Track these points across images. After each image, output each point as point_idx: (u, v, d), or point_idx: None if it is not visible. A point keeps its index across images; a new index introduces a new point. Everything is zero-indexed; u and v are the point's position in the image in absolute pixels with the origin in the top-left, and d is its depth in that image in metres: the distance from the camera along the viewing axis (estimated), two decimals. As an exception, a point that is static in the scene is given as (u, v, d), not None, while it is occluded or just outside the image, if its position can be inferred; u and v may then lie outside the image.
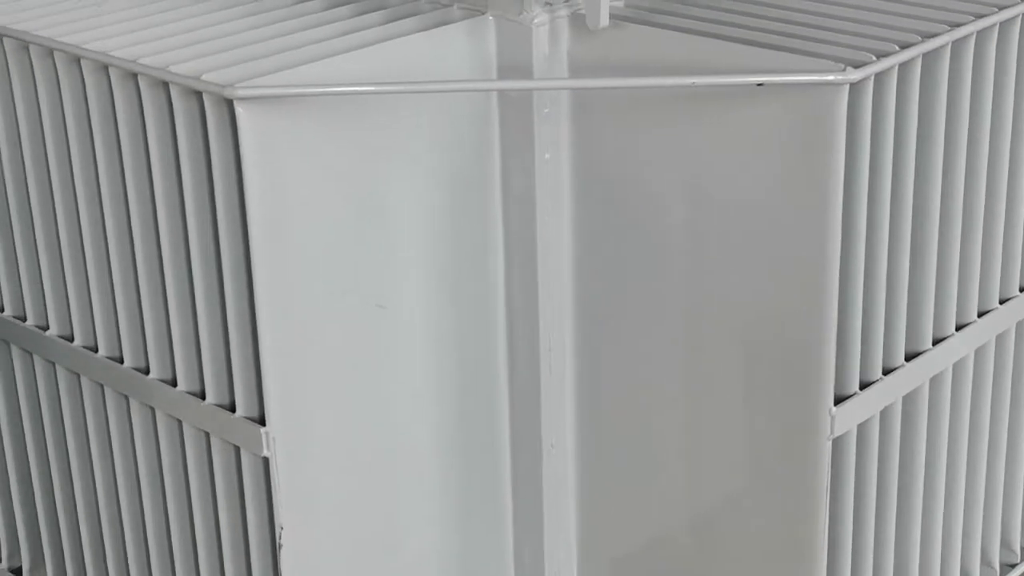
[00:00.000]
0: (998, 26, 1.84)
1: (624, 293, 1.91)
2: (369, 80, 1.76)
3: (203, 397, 1.83)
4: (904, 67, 1.73)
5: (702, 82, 1.69)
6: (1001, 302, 2.01)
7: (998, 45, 1.86)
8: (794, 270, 1.74)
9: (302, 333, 1.77)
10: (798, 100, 1.68)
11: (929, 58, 1.77)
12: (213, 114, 1.68)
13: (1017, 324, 2.05)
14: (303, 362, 1.78)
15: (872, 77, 1.68)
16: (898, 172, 1.78)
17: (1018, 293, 2.03)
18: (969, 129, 1.85)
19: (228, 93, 1.63)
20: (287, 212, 1.72)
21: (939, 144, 1.81)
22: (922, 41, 1.74)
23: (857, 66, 1.66)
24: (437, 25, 1.85)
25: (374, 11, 1.91)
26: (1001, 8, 1.84)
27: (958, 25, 1.78)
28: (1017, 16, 1.85)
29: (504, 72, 1.87)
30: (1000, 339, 2.03)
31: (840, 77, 1.64)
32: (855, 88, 1.67)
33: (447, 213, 1.89)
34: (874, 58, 1.68)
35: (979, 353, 2.00)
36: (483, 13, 1.85)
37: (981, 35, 1.82)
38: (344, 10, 1.92)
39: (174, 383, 1.86)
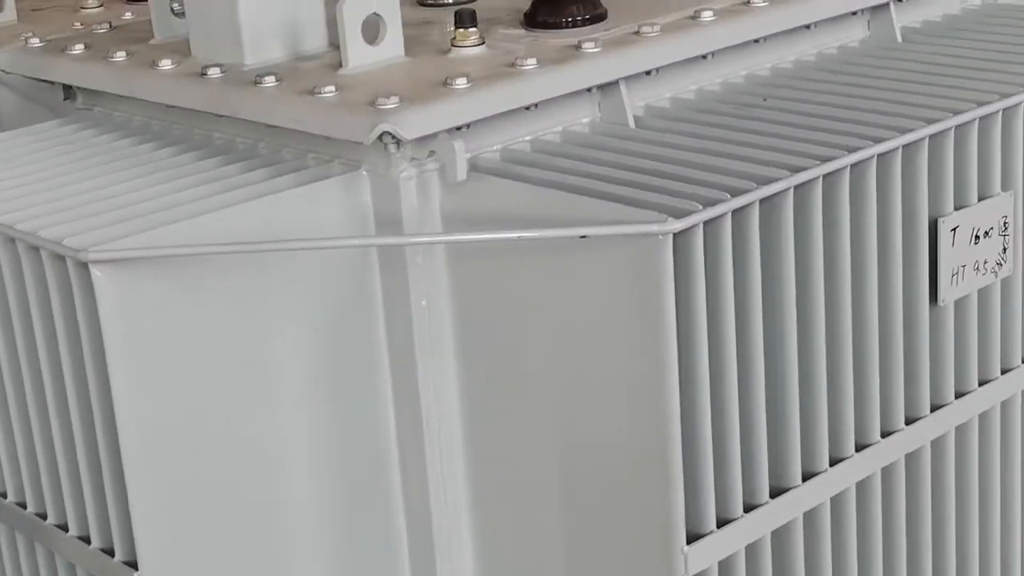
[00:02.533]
0: (848, 169, 1.89)
1: (506, 434, 1.97)
2: (238, 238, 1.85)
3: (89, 542, 1.92)
4: (741, 212, 1.78)
5: (527, 236, 1.76)
6: (883, 435, 2.03)
7: (827, 191, 1.90)
8: (640, 414, 1.78)
9: (172, 486, 1.84)
10: (629, 249, 1.73)
11: (771, 201, 1.82)
12: (75, 276, 1.78)
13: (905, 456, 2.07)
14: (174, 512, 1.85)
15: (700, 225, 1.73)
16: (744, 313, 1.82)
17: (902, 427, 2.05)
18: (819, 267, 1.89)
19: (82, 257, 1.73)
20: (152, 370, 1.80)
21: (788, 283, 1.86)
22: (756, 188, 1.79)
23: (680, 216, 1.71)
24: (315, 180, 1.93)
25: (262, 168, 2.00)
26: (852, 150, 1.89)
27: (799, 170, 1.83)
28: (845, 167, 1.89)
29: (380, 224, 1.95)
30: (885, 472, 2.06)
31: (660, 228, 1.69)
32: (687, 235, 1.72)
33: (330, 365, 1.96)
34: (700, 207, 1.73)
35: (861, 486, 2.02)
36: (357, 168, 1.94)
37: (829, 178, 1.87)
38: (233, 167, 2.01)
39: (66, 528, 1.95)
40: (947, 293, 2.04)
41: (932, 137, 1.98)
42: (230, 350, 1.87)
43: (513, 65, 1.98)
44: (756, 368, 1.85)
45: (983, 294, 2.11)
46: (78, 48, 2.29)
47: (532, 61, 1.97)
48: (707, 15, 2.15)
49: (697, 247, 1.74)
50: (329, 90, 1.93)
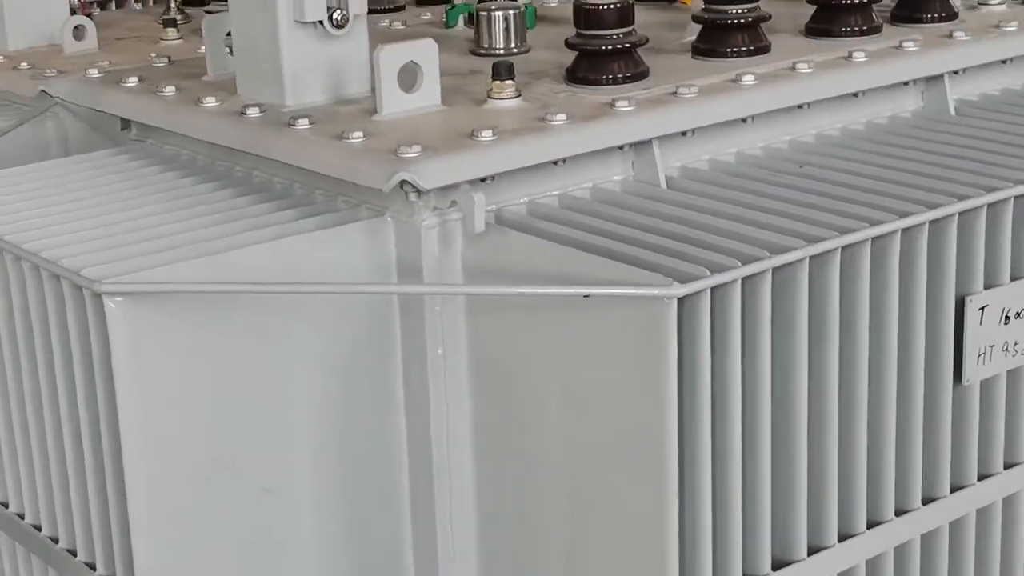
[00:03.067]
0: (869, 242, 1.87)
1: (516, 488, 1.97)
2: (258, 277, 1.87)
3: (95, 568, 1.95)
4: (753, 280, 1.77)
5: (531, 292, 1.76)
6: (897, 513, 2.00)
7: (847, 263, 1.88)
8: (640, 476, 1.77)
9: (178, 521, 1.86)
10: (635, 311, 1.73)
11: (785, 270, 1.80)
12: (90, 307, 1.81)
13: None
14: (178, 547, 1.87)
15: (707, 291, 1.72)
16: (753, 382, 1.81)
17: (918, 506, 2.02)
18: (834, 340, 1.87)
19: (96, 288, 1.76)
20: (162, 404, 1.83)
21: (801, 355, 1.84)
22: (769, 256, 1.78)
23: (686, 280, 1.70)
24: (341, 224, 1.95)
25: (292, 208, 2.02)
26: (873, 224, 1.87)
27: (817, 240, 1.82)
28: (866, 240, 1.87)
29: (403, 270, 1.96)
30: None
31: (664, 292, 1.69)
32: (693, 300, 1.72)
33: (345, 408, 1.97)
34: (707, 273, 1.73)
35: (871, 564, 1.99)
36: (383, 215, 1.95)
37: (849, 250, 1.85)
38: (265, 206, 2.03)
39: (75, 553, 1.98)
40: (972, 373, 2.01)
41: (963, 214, 1.96)
42: (243, 388, 1.89)
43: (543, 120, 1.98)
44: (762, 439, 1.83)
45: (1013, 376, 2.07)
46: (132, 80, 2.33)
47: (562, 116, 1.98)
48: (748, 79, 2.14)
49: (703, 313, 1.73)
50: (357, 135, 1.95)
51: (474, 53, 2.42)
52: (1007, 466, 2.10)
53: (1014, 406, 2.09)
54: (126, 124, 2.39)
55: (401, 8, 2.87)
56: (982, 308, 2.00)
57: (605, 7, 2.12)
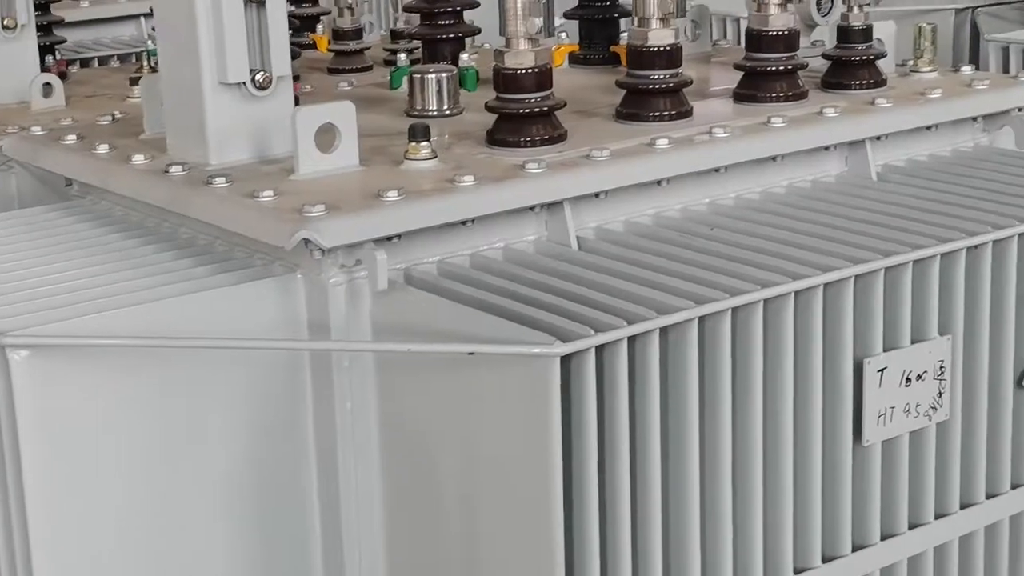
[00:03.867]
0: (761, 303, 1.90)
1: (423, 544, 2.00)
2: (169, 330, 1.92)
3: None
4: (641, 339, 1.81)
5: (417, 349, 1.80)
6: (796, 572, 2.03)
7: (741, 324, 1.92)
8: (528, 533, 1.81)
9: (84, 571, 1.90)
10: (520, 369, 1.77)
11: (676, 330, 1.84)
12: (-1, 359, 1.86)
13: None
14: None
15: (591, 350, 1.76)
16: (644, 442, 1.84)
17: (818, 564, 2.05)
18: (726, 400, 1.91)
19: (1, 341, 1.81)
20: (67, 457, 1.87)
21: (692, 414, 1.88)
22: (656, 316, 1.82)
23: (569, 339, 1.75)
24: (253, 280, 2.00)
25: (211, 264, 2.06)
26: (765, 285, 1.91)
27: (705, 301, 1.86)
28: (758, 301, 1.91)
29: (314, 326, 2.01)
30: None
31: (546, 350, 1.73)
32: (579, 358, 1.76)
33: (257, 460, 2.01)
34: (591, 332, 1.77)
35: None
36: (294, 272, 2.00)
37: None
38: (185, 262, 2.08)
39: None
40: (872, 433, 2.04)
41: (861, 277, 1.99)
42: (153, 441, 1.93)
43: (452, 181, 2.03)
44: (652, 499, 1.86)
45: (916, 437, 2.10)
46: (70, 138, 2.39)
47: (469, 178, 2.03)
48: (662, 143, 2.19)
49: (588, 371, 1.77)
50: (267, 195, 2.00)
51: (408, 114, 2.47)
52: (911, 526, 2.13)
53: (918, 467, 2.12)
54: (69, 180, 2.44)
55: (369, 68, 2.92)
56: (881, 370, 2.03)
57: (523, 72, 2.17)
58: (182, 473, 1.96)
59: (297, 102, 2.49)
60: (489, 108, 2.22)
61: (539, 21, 2.14)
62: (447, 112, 2.45)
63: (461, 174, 2.04)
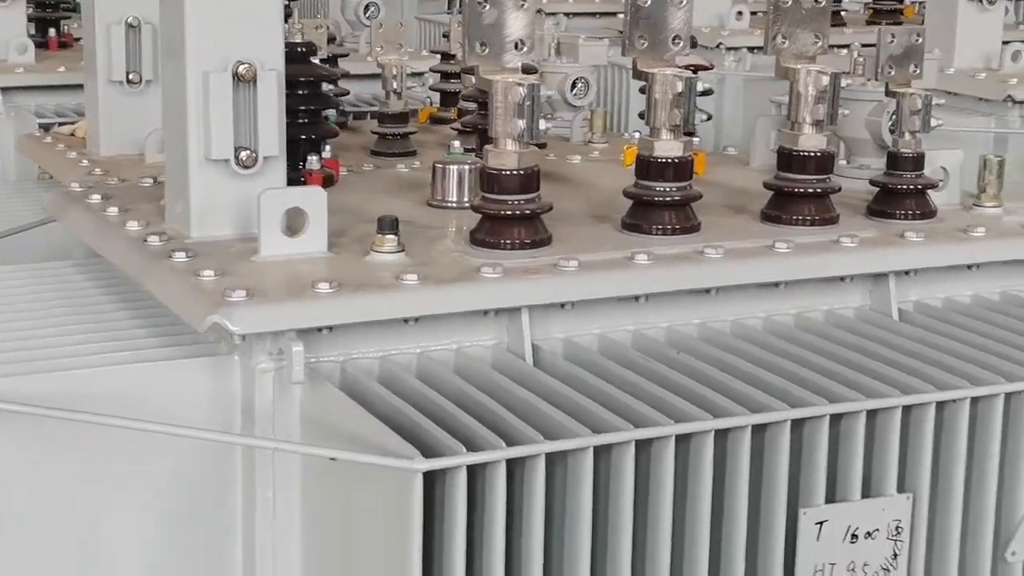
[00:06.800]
0: (673, 438, 1.80)
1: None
2: (96, 399, 1.92)
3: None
4: (527, 461, 1.74)
5: (284, 447, 1.76)
6: None
7: (657, 457, 1.82)
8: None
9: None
10: (392, 481, 1.71)
11: (566, 457, 1.76)
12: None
13: None
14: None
15: (463, 468, 1.70)
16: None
17: None
18: (625, 540, 1.81)
19: (-94, 399, 1.84)
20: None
21: (582, 549, 1.78)
22: (542, 441, 1.74)
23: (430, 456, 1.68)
24: (190, 356, 1.99)
25: (165, 336, 2.06)
26: (678, 420, 1.81)
27: (603, 431, 1.77)
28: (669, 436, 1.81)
29: (245, 409, 1.98)
30: None
31: (407, 464, 1.67)
32: (451, 475, 1.70)
33: (176, 542, 1.99)
34: (463, 449, 1.70)
35: None
36: (231, 354, 1.98)
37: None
38: (141, 330, 2.08)
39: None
40: (807, 589, 1.91)
41: (798, 422, 1.87)
42: (62, 514, 1.93)
43: (397, 278, 1.99)
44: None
45: (865, 598, 1.96)
46: (95, 198, 2.42)
47: (412, 277, 1.98)
48: (642, 258, 2.10)
49: (457, 490, 1.70)
50: (208, 274, 1.99)
51: (429, 204, 2.44)
52: None
53: (866, 631, 1.97)
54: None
55: (413, 153, 2.90)
56: (820, 523, 1.90)
57: (507, 172, 2.11)
58: (91, 548, 1.96)
59: (330, 183, 2.50)
60: (472, 207, 2.17)
61: (522, 123, 2.08)
62: (466, 204, 2.41)
63: (406, 273, 1.99)
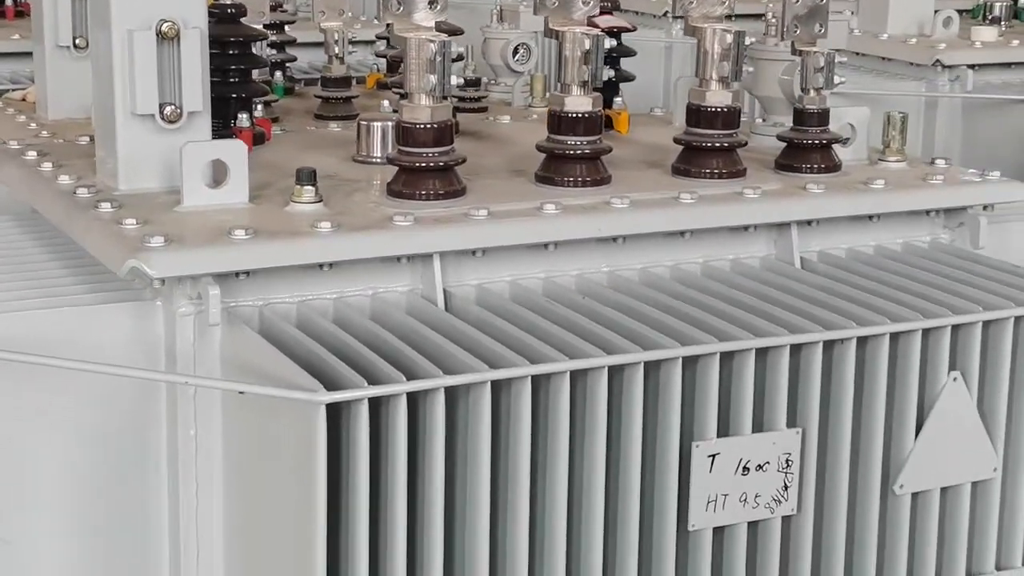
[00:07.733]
0: (567, 374, 1.90)
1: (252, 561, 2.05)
2: (20, 344, 2.00)
3: None
4: (427, 394, 1.83)
5: (196, 382, 1.86)
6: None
7: (554, 393, 1.91)
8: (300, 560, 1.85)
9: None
10: (299, 413, 1.81)
11: (468, 390, 1.86)
12: None
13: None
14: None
15: (364, 401, 1.79)
16: (428, 508, 1.86)
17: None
18: (523, 471, 1.90)
19: None
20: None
21: (482, 481, 1.88)
22: (441, 376, 1.83)
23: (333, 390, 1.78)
24: (114, 302, 2.07)
25: (92, 283, 2.14)
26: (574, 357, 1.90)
27: (501, 366, 1.87)
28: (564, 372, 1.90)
29: (168, 352, 2.07)
30: None
31: (309, 397, 1.76)
32: (354, 407, 1.79)
33: (104, 478, 2.08)
34: (364, 384, 1.79)
35: None
36: (155, 299, 2.07)
37: (555, 378, 1.89)
38: (72, 279, 2.16)
39: None
40: (699, 519, 2.00)
41: (690, 360, 1.97)
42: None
43: (313, 226, 2.08)
44: (432, 555, 1.87)
45: (757, 528, 2.06)
46: (31, 155, 2.50)
47: (326, 224, 2.07)
48: (550, 207, 2.19)
49: (359, 422, 1.80)
50: (130, 222, 2.07)
51: (354, 160, 2.53)
52: (748, 619, 2.08)
53: (760, 559, 2.07)
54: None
55: (355, 116, 2.97)
56: (712, 455, 1.99)
57: (420, 126, 2.20)
58: (19, 483, 2.04)
59: (260, 141, 2.59)
60: (388, 160, 2.26)
61: (434, 78, 2.17)
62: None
63: (326, 220, 2.08)
